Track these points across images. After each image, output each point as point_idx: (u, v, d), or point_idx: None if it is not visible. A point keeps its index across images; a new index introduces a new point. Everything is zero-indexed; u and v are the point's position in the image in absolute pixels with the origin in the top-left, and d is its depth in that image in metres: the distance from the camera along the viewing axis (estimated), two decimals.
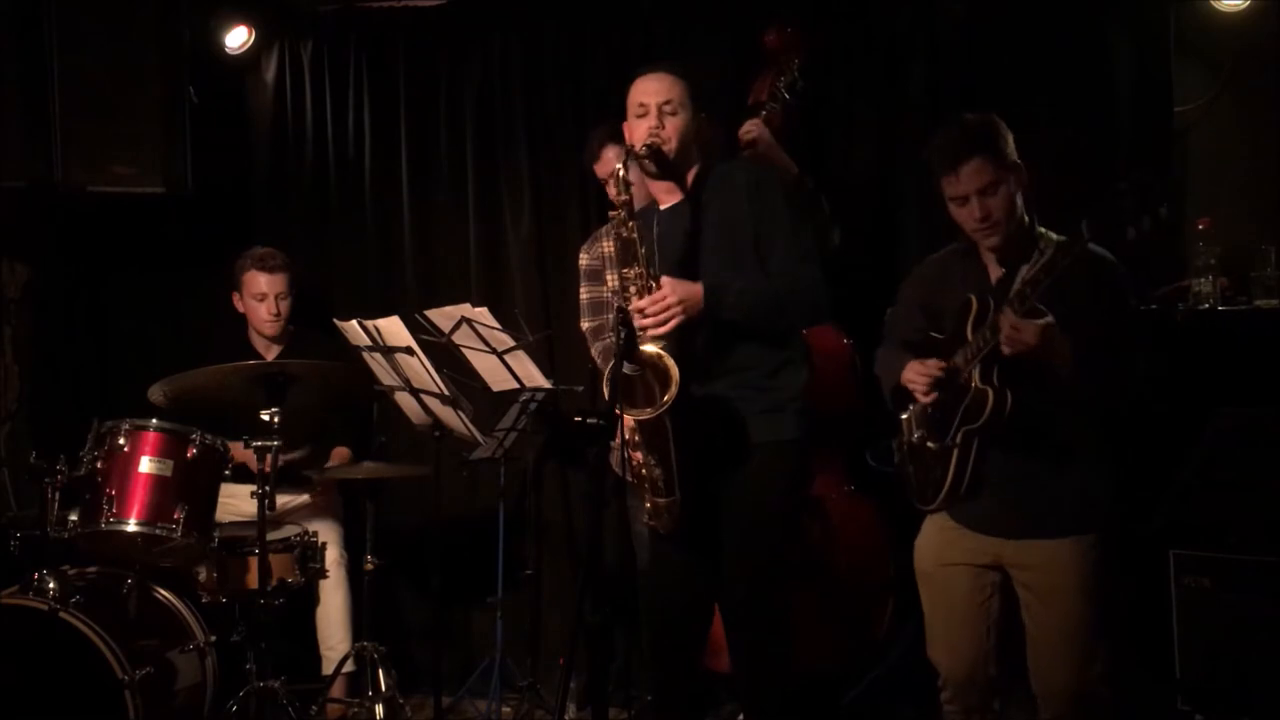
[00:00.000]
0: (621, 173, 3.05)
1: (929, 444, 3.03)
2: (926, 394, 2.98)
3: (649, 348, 2.98)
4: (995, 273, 2.98)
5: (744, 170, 3.34)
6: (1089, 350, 2.79)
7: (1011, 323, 2.75)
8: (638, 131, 3.18)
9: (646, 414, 2.98)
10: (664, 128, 3.15)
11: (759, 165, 3.56)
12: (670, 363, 2.94)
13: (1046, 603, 2.95)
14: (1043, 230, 2.95)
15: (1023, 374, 2.83)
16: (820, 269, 3.20)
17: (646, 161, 3.16)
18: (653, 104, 3.17)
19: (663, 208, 3.29)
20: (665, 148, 3.15)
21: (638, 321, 2.99)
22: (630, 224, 3.06)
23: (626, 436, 3.13)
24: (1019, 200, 2.93)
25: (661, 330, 3.00)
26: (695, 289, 3.06)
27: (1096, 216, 2.67)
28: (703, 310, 3.05)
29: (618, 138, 3.57)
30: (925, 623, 3.17)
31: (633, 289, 3.06)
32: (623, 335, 2.86)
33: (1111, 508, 2.99)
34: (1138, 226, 2.59)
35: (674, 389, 2.93)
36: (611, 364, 2.88)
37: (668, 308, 3.00)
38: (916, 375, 2.99)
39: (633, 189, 3.09)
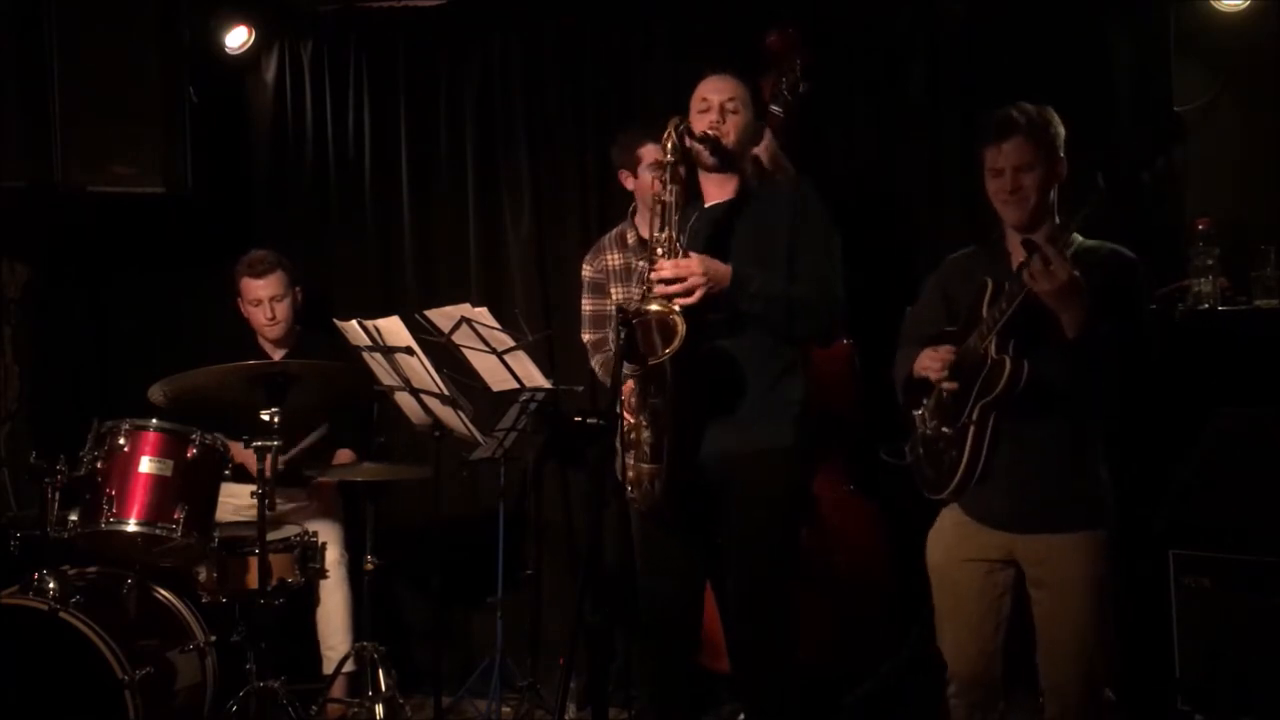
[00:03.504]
0: (672, 140, 3.06)
1: (944, 429, 3.04)
2: (940, 374, 2.99)
3: (658, 306, 2.97)
4: (1019, 259, 2.97)
5: (791, 184, 3.38)
6: (1095, 331, 2.81)
7: (1049, 257, 2.76)
8: (699, 124, 3.22)
9: (645, 363, 2.97)
10: (725, 123, 3.21)
11: (804, 181, 3.57)
12: (679, 318, 2.93)
13: (1058, 599, 2.96)
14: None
15: (1038, 343, 2.85)
16: (843, 291, 3.23)
17: (703, 148, 3.18)
18: (716, 100, 3.23)
19: (706, 205, 3.31)
20: (724, 141, 3.20)
21: (657, 280, 2.99)
22: (671, 188, 3.07)
23: (621, 398, 3.11)
24: (1053, 194, 2.99)
25: (685, 302, 2.99)
26: (723, 267, 3.09)
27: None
28: (726, 291, 3.06)
29: (650, 135, 3.58)
30: (935, 616, 3.18)
31: (660, 250, 3.07)
32: (623, 336, 2.85)
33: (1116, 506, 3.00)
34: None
35: (677, 343, 2.92)
36: (613, 361, 2.88)
37: (691, 274, 3.01)
38: (930, 359, 3.03)
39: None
